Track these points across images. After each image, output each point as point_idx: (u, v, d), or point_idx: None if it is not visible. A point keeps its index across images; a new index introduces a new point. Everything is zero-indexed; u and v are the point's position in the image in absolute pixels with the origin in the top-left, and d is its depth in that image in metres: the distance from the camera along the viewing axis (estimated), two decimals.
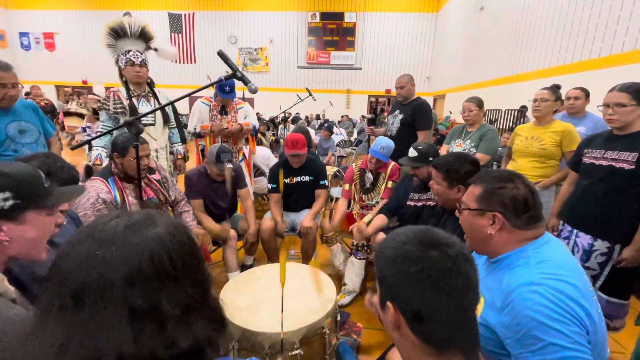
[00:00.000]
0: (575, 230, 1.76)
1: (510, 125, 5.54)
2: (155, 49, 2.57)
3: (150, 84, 2.54)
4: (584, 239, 1.70)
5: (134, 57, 2.34)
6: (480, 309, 0.90)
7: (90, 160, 2.42)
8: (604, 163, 1.63)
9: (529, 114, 5.08)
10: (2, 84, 1.85)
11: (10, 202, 0.73)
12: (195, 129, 2.82)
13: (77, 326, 0.40)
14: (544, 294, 0.76)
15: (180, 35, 13.29)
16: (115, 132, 2.15)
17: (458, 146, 2.58)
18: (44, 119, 2.17)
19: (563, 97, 2.55)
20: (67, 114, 6.83)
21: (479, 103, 2.55)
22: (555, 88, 2.24)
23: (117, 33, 2.40)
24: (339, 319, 1.55)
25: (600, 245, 1.64)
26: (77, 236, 0.45)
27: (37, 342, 0.40)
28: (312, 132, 5.45)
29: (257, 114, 9.84)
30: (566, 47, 4.48)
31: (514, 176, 0.94)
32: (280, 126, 6.13)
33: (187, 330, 0.44)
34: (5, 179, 0.73)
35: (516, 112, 5.41)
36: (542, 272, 0.81)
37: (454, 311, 0.56)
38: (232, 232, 2.27)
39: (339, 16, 12.88)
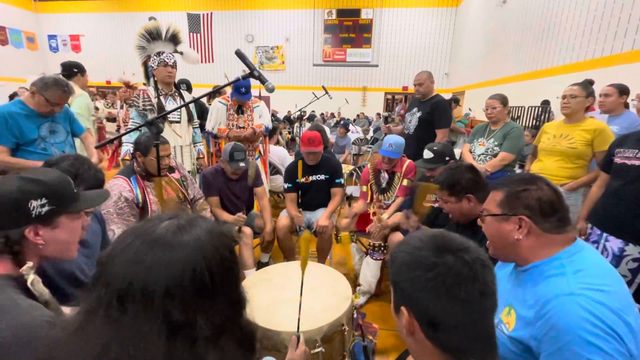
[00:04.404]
0: (604, 234, 1.67)
1: (534, 122, 5.33)
2: (181, 53, 2.67)
3: (177, 85, 2.64)
4: (614, 244, 1.61)
5: (167, 59, 2.44)
6: (512, 323, 0.86)
7: (121, 155, 2.53)
8: (637, 163, 1.54)
9: (554, 109, 4.88)
10: (57, 104, 1.99)
11: (46, 208, 0.76)
12: (213, 129, 2.88)
13: (120, 331, 0.40)
14: (585, 306, 0.71)
15: (198, 35, 13.53)
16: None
17: (481, 145, 2.49)
18: (73, 120, 2.27)
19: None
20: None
21: (503, 100, 2.45)
22: (588, 83, 2.11)
23: (152, 35, 2.53)
24: (355, 315, 1.55)
25: (632, 250, 1.55)
26: (128, 237, 0.46)
27: (82, 341, 0.41)
28: (327, 130, 5.42)
29: (274, 111, 9.91)
30: (595, 40, 4.26)
31: (536, 178, 0.91)
32: (296, 124, 6.14)
33: (216, 353, 0.44)
34: (41, 186, 0.77)
35: (539, 108, 5.21)
36: (581, 282, 0.76)
37: (470, 319, 0.55)
38: (248, 230, 2.30)
39: (356, 13, 12.75)
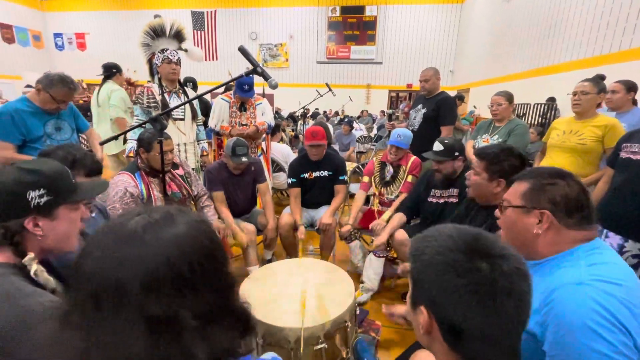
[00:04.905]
0: (604, 231, 1.64)
1: (539, 120, 5.28)
2: (186, 50, 2.67)
3: (181, 82, 2.64)
4: (614, 240, 1.58)
5: (171, 55, 2.44)
6: None
7: (125, 153, 2.53)
8: None
9: (560, 106, 4.82)
10: (62, 101, 2.01)
11: (45, 199, 0.75)
12: (215, 126, 2.88)
13: (97, 331, 0.39)
14: (594, 296, 0.69)
15: (202, 32, 13.54)
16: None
17: (485, 142, 2.48)
18: (78, 116, 2.29)
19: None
20: None
21: (509, 97, 2.42)
22: (599, 79, 2.05)
23: (156, 32, 2.53)
24: (357, 312, 1.55)
25: (632, 246, 1.52)
26: (98, 235, 0.44)
27: (62, 344, 0.40)
28: (330, 128, 5.40)
29: (277, 108, 9.90)
30: (603, 37, 4.20)
31: (565, 173, 0.85)
32: (300, 122, 6.13)
33: (204, 342, 0.42)
34: (40, 176, 0.75)
35: (545, 106, 5.15)
36: (593, 273, 0.74)
37: (499, 332, 0.50)
38: (251, 227, 2.30)
39: (360, 10, 12.67)
